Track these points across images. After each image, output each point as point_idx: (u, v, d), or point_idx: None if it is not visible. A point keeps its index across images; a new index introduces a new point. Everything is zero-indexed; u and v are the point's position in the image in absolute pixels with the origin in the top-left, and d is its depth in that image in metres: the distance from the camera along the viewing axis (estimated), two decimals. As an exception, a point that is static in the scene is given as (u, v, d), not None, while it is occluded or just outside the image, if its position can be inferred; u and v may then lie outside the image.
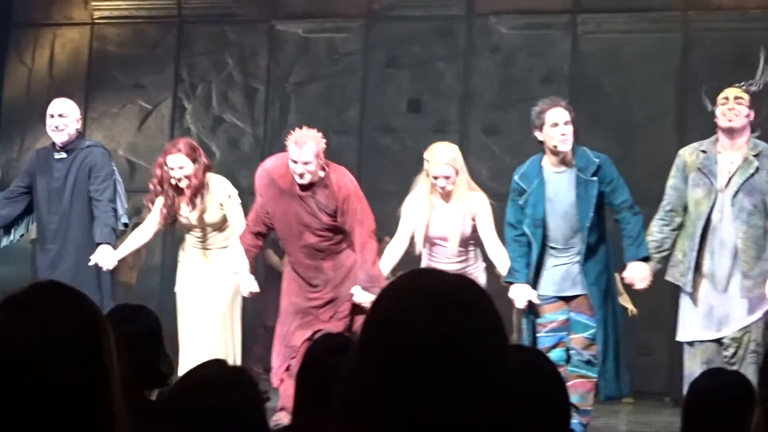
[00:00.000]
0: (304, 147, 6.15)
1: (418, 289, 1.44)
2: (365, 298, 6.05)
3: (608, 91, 11.93)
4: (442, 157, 6.40)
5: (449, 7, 12.54)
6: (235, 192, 6.93)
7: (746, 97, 6.13)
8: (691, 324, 6.14)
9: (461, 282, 1.47)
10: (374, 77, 12.71)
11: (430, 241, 6.59)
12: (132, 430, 1.73)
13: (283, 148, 6.51)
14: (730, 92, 6.17)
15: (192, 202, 6.76)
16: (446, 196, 6.47)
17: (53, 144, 7.08)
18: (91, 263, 6.72)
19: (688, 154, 6.24)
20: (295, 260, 6.43)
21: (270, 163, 6.50)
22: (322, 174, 6.23)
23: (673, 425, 7.12)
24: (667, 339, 9.38)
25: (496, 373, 1.40)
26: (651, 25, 11.98)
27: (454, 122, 12.32)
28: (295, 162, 6.14)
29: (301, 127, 6.48)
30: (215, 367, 2.63)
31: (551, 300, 6.05)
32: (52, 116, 7.04)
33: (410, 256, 6.76)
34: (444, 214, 6.47)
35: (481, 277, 6.53)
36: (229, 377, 2.56)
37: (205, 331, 6.80)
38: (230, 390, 2.49)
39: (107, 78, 13.47)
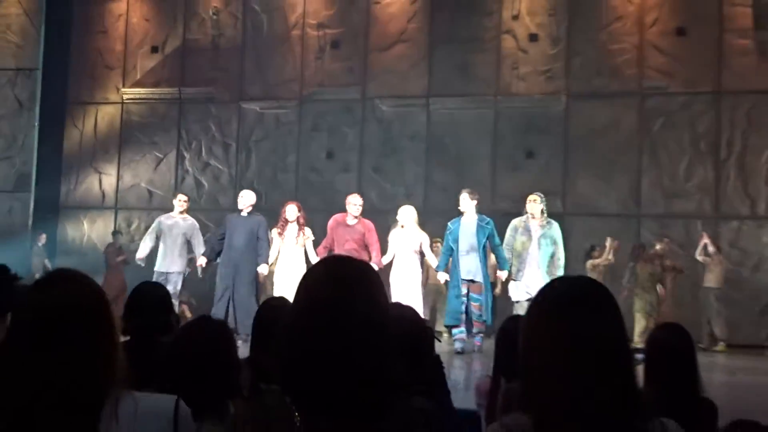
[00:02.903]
0: (357, 198, 8.87)
1: (327, 268, 1.43)
2: None
3: (449, 146, 12.20)
4: (404, 210, 8.94)
5: (350, 93, 12.53)
6: (312, 236, 9.06)
7: (538, 198, 8.47)
8: (522, 293, 8.42)
9: (356, 263, 1.44)
10: (305, 137, 12.70)
11: (397, 251, 8.94)
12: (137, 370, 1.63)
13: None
14: (530, 197, 8.56)
15: (297, 232, 8.93)
16: (403, 227, 8.89)
17: (239, 210, 9.07)
18: (255, 271, 8.87)
19: (517, 221, 8.70)
20: None
21: (336, 215, 9.13)
22: (361, 217, 8.81)
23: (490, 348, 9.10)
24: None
25: (375, 321, 1.37)
26: (474, 104, 12.11)
27: (354, 165, 12.40)
28: (354, 204, 8.85)
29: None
30: (202, 320, 2.48)
31: (464, 281, 8.53)
32: (242, 197, 9.04)
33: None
34: (403, 236, 8.92)
35: (418, 271, 8.86)
36: (212, 326, 2.43)
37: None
38: (211, 332, 2.39)
39: (133, 137, 13.45)
